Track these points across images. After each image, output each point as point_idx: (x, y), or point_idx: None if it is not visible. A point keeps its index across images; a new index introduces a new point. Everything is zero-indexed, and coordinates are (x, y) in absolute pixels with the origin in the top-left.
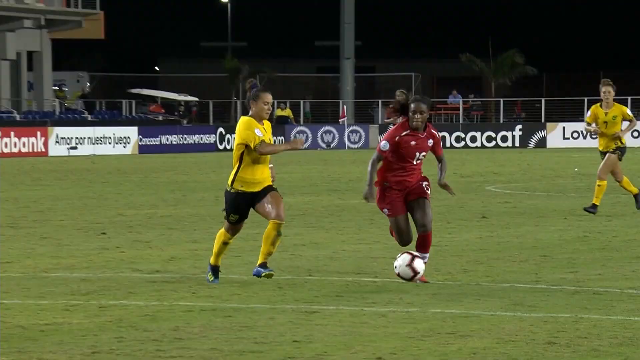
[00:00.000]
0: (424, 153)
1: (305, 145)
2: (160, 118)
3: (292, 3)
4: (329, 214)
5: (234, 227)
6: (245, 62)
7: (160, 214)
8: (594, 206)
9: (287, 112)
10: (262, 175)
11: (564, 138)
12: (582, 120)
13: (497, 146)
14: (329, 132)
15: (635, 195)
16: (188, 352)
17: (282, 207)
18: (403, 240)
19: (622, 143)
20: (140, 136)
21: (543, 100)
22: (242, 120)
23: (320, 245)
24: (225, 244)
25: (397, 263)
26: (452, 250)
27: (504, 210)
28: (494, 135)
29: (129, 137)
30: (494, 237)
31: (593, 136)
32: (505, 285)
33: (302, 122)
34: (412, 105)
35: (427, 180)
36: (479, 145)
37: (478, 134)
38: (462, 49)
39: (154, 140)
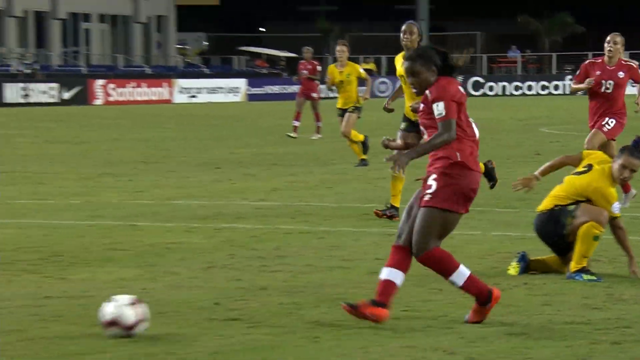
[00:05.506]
0: None
1: (384, 94)
2: (265, 71)
3: None
4: None
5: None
6: (335, 24)
7: (265, 152)
8: (362, 160)
9: (371, 65)
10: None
11: None
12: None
13: (550, 94)
14: None
15: (363, 142)
16: (288, 267)
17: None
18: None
19: (360, 103)
20: (249, 86)
21: (590, 55)
22: None
23: None
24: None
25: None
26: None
27: (556, 149)
28: (547, 84)
29: (239, 87)
30: None
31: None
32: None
33: (383, 73)
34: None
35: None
36: (535, 93)
37: (534, 84)
38: (519, 11)
39: (260, 90)
